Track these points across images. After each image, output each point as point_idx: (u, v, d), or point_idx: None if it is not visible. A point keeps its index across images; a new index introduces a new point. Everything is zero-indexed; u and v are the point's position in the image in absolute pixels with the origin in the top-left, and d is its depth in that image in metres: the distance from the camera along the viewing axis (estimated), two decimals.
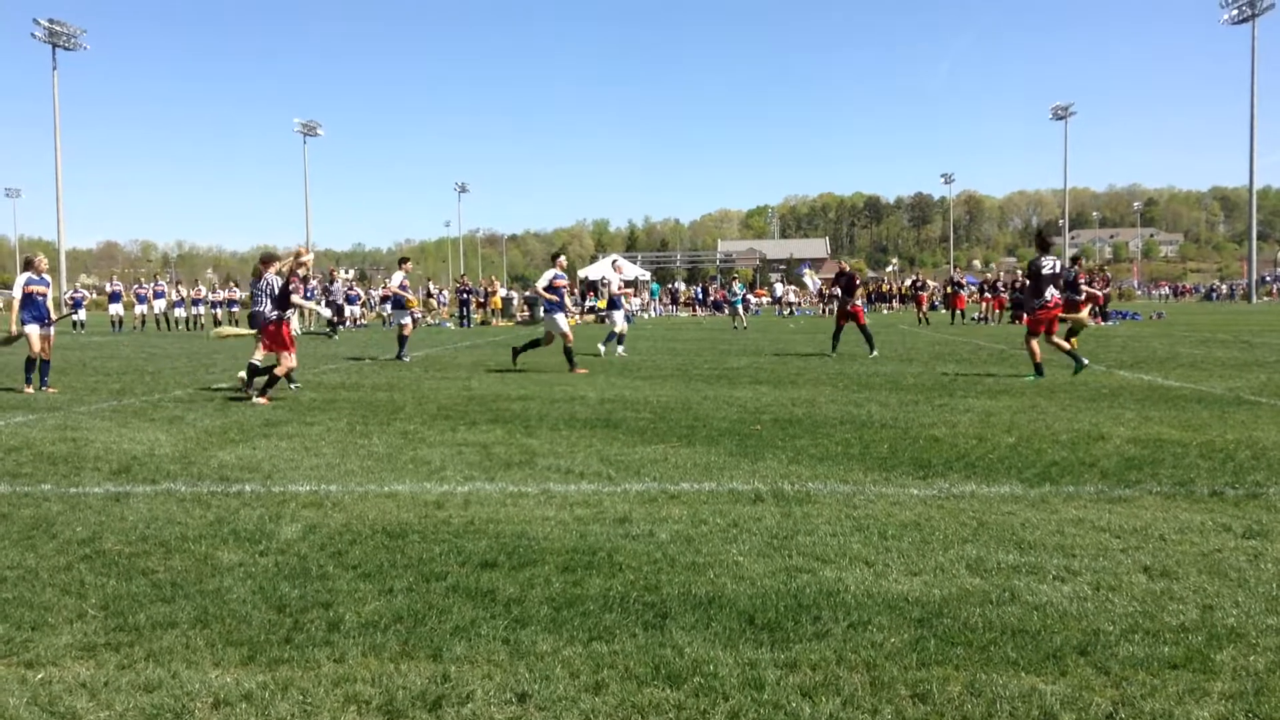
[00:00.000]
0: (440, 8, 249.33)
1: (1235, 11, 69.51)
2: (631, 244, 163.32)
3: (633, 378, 14.98)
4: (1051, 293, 14.09)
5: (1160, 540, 5.13)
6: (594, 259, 79.57)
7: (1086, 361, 14.28)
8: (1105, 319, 37.03)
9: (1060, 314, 14.77)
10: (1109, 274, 45.27)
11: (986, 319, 38.64)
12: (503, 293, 50.83)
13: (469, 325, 41.77)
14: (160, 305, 40.36)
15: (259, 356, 12.73)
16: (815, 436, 8.74)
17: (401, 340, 19.38)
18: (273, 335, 12.48)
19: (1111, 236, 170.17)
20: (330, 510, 6.08)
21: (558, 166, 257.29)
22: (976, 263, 76.17)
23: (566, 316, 16.64)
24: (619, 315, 22.06)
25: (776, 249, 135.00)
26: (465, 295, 43.48)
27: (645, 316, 55.94)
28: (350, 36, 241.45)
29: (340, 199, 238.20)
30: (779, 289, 64.13)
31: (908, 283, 47.51)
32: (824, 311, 50.97)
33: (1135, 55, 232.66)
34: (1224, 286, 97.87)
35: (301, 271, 14.34)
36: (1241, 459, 7.35)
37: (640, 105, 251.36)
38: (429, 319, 43.59)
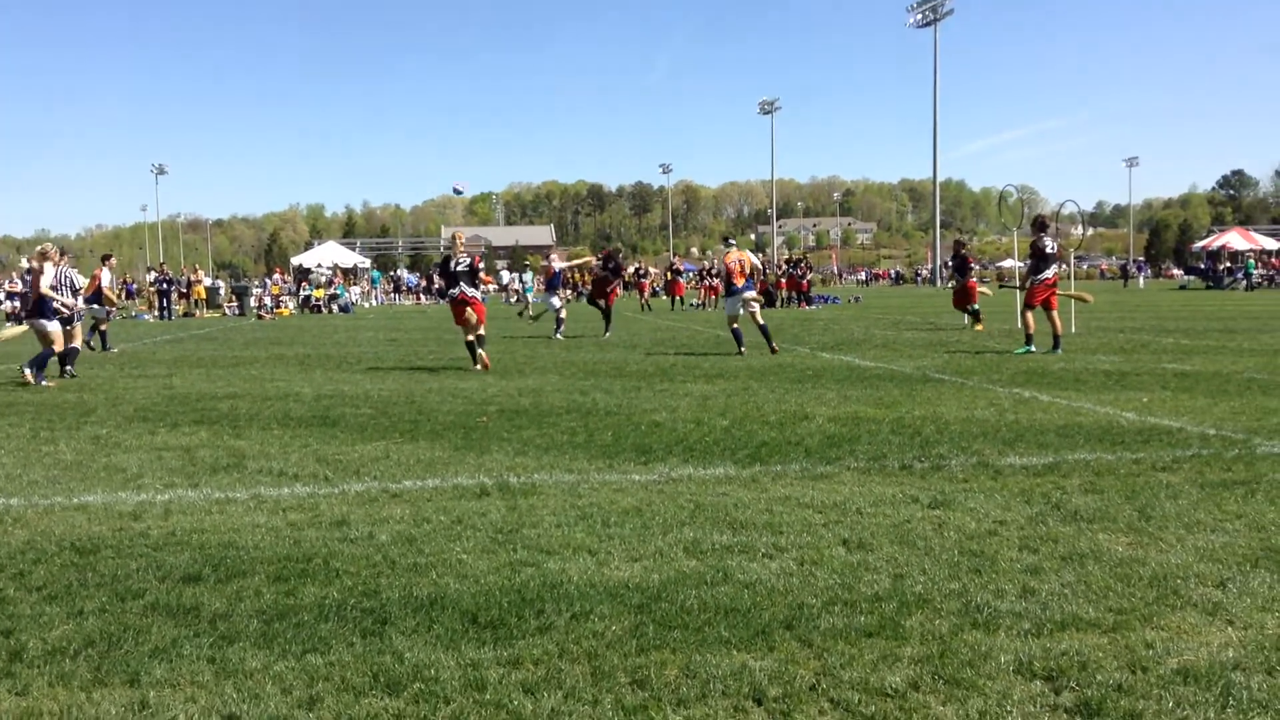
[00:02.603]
0: None
1: (920, 16, 75.77)
2: (350, 230, 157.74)
3: (352, 371, 14.51)
4: (1053, 270, 15.05)
5: (857, 514, 5.52)
6: (309, 245, 76.27)
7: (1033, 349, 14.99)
8: (809, 303, 39.52)
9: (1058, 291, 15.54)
10: (810, 261, 48.36)
11: (704, 305, 40.25)
12: (207, 282, 47.89)
13: (170, 317, 39.10)
14: None
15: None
16: (541, 426, 8.80)
17: (103, 335, 19.58)
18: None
19: (814, 225, 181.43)
20: (10, 526, 5.52)
21: (267, 148, 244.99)
22: (694, 250, 79.41)
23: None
24: (556, 299, 21.77)
25: (502, 235, 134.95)
26: (165, 285, 40.61)
27: (366, 305, 54.41)
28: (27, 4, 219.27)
29: (15, 179, 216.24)
30: (505, 276, 64.09)
31: (630, 270, 48.70)
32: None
33: (833, 55, 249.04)
34: (912, 271, 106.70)
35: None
36: (927, 434, 8.04)
37: (358, 87, 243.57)
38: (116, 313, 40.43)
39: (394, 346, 19.98)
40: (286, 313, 42.72)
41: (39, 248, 13.96)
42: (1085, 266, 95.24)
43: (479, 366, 13.90)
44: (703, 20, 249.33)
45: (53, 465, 7.34)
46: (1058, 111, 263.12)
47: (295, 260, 60.97)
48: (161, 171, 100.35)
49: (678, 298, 40.13)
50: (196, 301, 43.38)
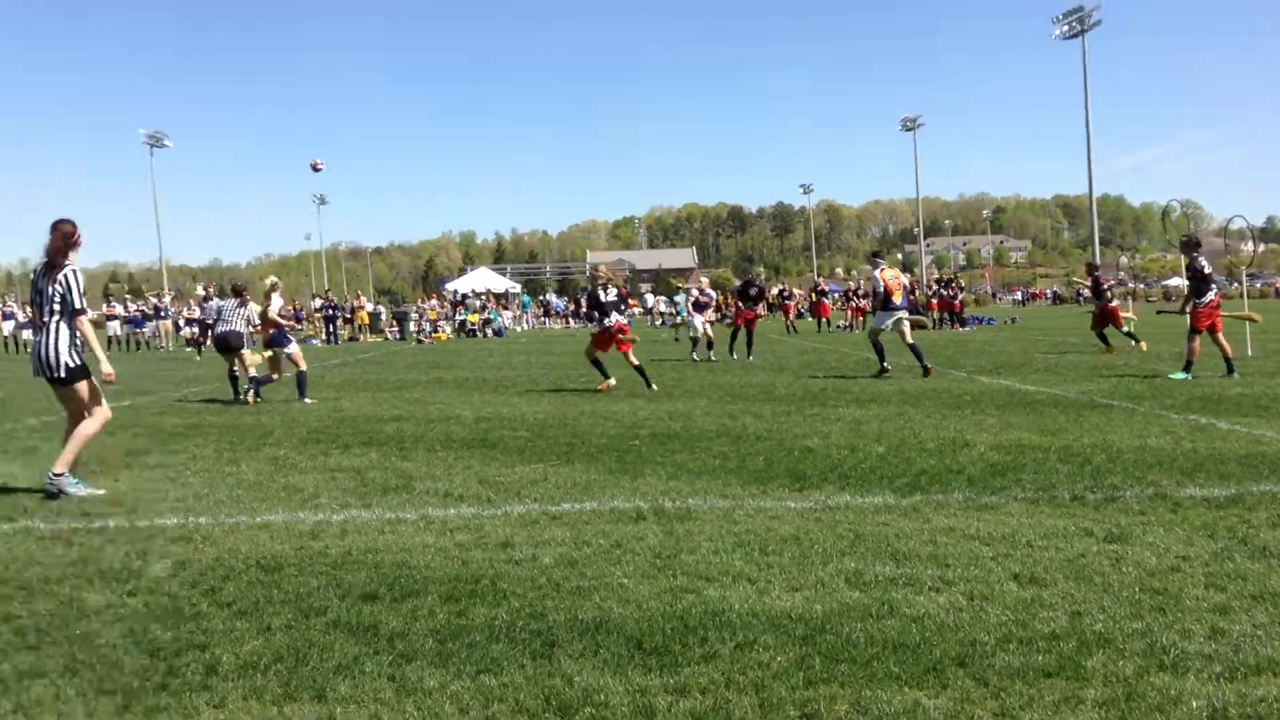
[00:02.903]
0: (290, 8, 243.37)
1: (1066, 28, 73.23)
2: (499, 256, 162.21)
3: (509, 394, 14.88)
4: (1213, 292, 14.48)
5: (1028, 547, 5.35)
6: (462, 271, 78.59)
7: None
8: (962, 324, 38.51)
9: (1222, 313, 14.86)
10: (961, 281, 47.12)
11: (851, 326, 39.71)
12: (369, 307, 49.83)
13: (336, 342, 40.83)
14: (9, 327, 38.00)
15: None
16: (693, 450, 8.84)
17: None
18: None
19: (964, 244, 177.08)
20: (200, 544, 5.86)
21: (421, 178, 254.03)
22: (839, 270, 78.42)
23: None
24: (698, 320, 22.20)
25: (645, 259, 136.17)
26: (331, 311, 42.49)
27: (518, 329, 55.65)
28: (195, 44, 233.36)
29: (194, 212, 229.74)
30: (649, 300, 64.63)
31: (774, 291, 48.45)
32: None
33: (975, 71, 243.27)
34: (1071, 291, 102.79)
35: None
36: (1098, 463, 7.73)
37: (506, 116, 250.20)
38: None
39: (547, 370, 20.39)
40: (444, 337, 44.08)
41: (269, 280, 15.13)
42: (1259, 285, 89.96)
43: (609, 383, 14.62)
44: (842, 39, 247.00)
45: (236, 485, 7.76)
46: (1213, 122, 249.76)
47: (450, 286, 62.96)
48: (323, 202, 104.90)
49: (823, 319, 39.71)
50: (359, 326, 45.17)
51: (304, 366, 14.61)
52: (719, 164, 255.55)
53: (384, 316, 49.79)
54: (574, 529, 6.01)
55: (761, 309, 22.44)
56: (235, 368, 14.98)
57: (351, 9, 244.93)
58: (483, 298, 54.96)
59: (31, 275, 7.73)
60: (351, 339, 43.42)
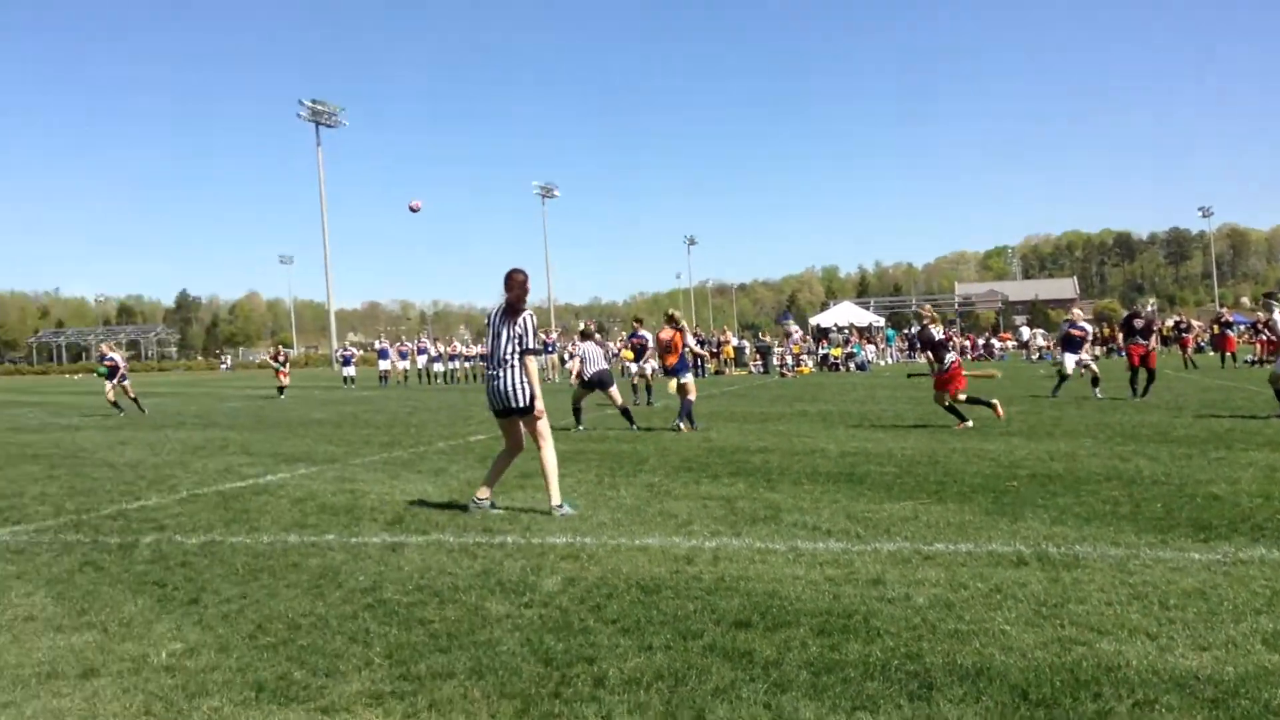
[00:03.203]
0: (661, 70, 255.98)
1: None
2: (863, 289, 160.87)
3: (873, 429, 14.68)
4: None
5: None
6: (824, 306, 78.80)
7: None
8: None
9: None
10: None
11: (1261, 361, 35.51)
12: (734, 341, 51.08)
13: (704, 375, 42.20)
14: (422, 361, 43.06)
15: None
16: (1079, 494, 8.28)
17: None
18: None
19: None
20: (586, 563, 6.26)
21: (784, 214, 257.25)
22: (1245, 300, 70.25)
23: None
24: (1070, 359, 21.18)
25: (1020, 290, 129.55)
26: (700, 345, 44.03)
27: (881, 364, 54.78)
28: (584, 102, 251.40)
29: (576, 255, 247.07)
30: (1025, 333, 61.35)
31: (1170, 323, 44.38)
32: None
33: None
34: None
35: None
36: None
37: (867, 147, 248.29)
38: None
39: (912, 405, 19.90)
40: (806, 370, 44.30)
41: (671, 311, 16.68)
42: None
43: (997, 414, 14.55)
44: (1245, 49, 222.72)
45: (616, 509, 8.22)
46: None
47: (813, 320, 63.24)
48: (693, 242, 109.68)
49: (1228, 354, 35.81)
50: (725, 360, 46.44)
51: (693, 395, 15.47)
52: (1103, 189, 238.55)
53: (748, 350, 50.84)
54: (949, 570, 5.81)
55: (1154, 342, 20.45)
56: (583, 402, 16.49)
57: (701, 60, 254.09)
58: (845, 331, 54.67)
59: (487, 319, 8.53)
60: (718, 372, 44.68)
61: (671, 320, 16.15)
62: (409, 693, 4.05)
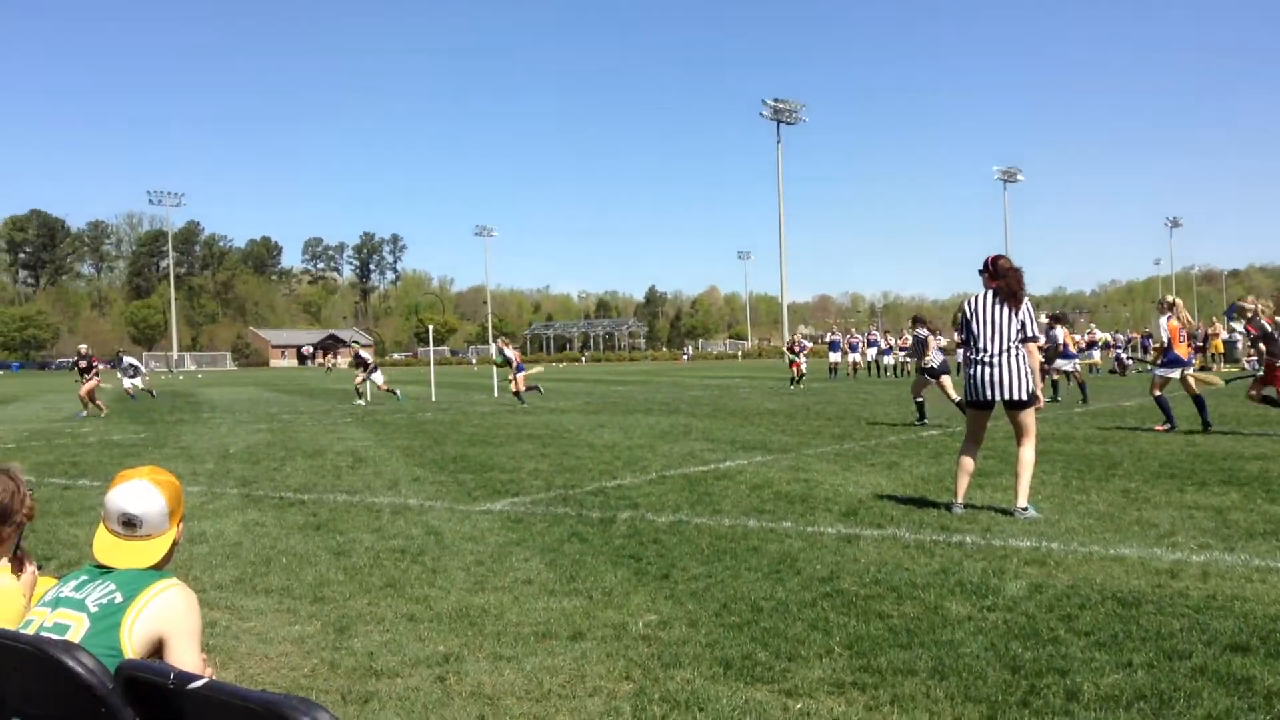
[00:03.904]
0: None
1: None
2: None
3: None
4: None
5: None
6: None
7: None
8: None
9: None
10: None
11: None
12: (1224, 335, 45.64)
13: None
14: (871, 353, 43.01)
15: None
16: None
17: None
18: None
19: None
20: (1054, 570, 5.92)
21: None
22: None
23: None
24: None
25: None
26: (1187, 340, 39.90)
27: None
28: (1053, 76, 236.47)
29: (1040, 242, 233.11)
30: None
31: None
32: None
33: None
34: None
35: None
36: None
37: None
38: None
39: None
40: None
41: (1170, 299, 15.62)
42: None
43: None
44: None
45: (1086, 514, 7.68)
46: None
47: None
48: (1175, 224, 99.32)
49: None
50: (1213, 354, 41.78)
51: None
52: None
53: (1239, 345, 45.22)
54: None
55: None
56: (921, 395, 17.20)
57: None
58: None
59: (965, 308, 8.12)
60: (1203, 368, 40.23)
61: (1170, 308, 14.81)
62: (870, 685, 4.07)
